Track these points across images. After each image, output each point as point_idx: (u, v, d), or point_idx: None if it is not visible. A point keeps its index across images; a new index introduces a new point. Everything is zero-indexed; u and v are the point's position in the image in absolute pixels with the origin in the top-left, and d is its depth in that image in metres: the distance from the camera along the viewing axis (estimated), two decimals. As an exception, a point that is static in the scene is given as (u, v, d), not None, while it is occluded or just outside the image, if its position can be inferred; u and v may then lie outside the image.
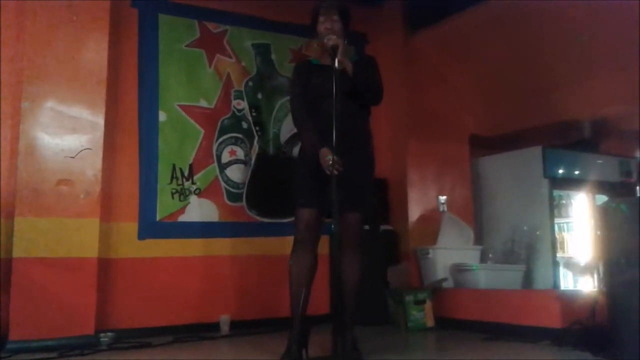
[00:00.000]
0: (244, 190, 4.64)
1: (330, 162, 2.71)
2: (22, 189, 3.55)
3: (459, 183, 5.39)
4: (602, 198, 5.09)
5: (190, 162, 4.45)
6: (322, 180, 2.85)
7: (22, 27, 3.75)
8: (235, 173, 4.63)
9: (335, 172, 2.68)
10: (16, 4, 3.79)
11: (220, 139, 4.61)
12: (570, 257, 5.30)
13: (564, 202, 5.46)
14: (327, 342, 2.87)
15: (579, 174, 5.37)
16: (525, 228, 5.05)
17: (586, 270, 4.88)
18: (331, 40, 2.89)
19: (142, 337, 3.79)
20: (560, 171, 5.25)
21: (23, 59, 3.70)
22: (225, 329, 4.17)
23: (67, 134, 3.72)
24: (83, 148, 3.77)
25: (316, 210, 2.97)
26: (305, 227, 2.97)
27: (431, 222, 5.06)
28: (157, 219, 4.28)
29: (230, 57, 4.76)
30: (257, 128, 4.78)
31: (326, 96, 2.83)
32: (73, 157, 3.73)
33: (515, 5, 4.42)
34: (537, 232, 5.00)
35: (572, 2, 4.15)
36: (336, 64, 2.76)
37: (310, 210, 2.97)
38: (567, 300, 3.66)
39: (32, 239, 3.52)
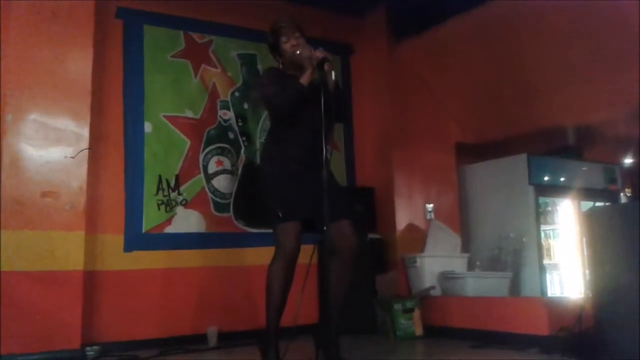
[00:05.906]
0: (231, 201, 4.63)
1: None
2: (6, 202, 3.51)
3: (445, 191, 5.40)
4: (587, 204, 5.13)
5: (177, 172, 4.43)
6: (306, 190, 2.87)
7: (4, 38, 3.71)
8: (222, 183, 4.62)
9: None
10: (-1, 15, 3.77)
11: (207, 150, 4.60)
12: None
13: (549, 209, 5.49)
14: (310, 352, 2.88)
15: (564, 180, 5.41)
16: (511, 235, 5.07)
17: None
18: (320, 52, 2.85)
19: (128, 350, 3.77)
20: (546, 178, 5.28)
21: (6, 70, 3.67)
22: (213, 341, 4.13)
23: (52, 146, 3.69)
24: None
25: (301, 223, 2.93)
26: (294, 240, 2.91)
27: (418, 230, 5.08)
28: (143, 230, 4.25)
29: (216, 67, 4.76)
30: (244, 138, 4.78)
31: (304, 108, 2.88)
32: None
33: (497, 15, 4.46)
34: (524, 239, 5.02)
35: (553, 4, 4.18)
36: (333, 76, 2.76)
37: (297, 223, 2.92)
38: (554, 307, 3.69)
39: (17, 252, 3.47)
